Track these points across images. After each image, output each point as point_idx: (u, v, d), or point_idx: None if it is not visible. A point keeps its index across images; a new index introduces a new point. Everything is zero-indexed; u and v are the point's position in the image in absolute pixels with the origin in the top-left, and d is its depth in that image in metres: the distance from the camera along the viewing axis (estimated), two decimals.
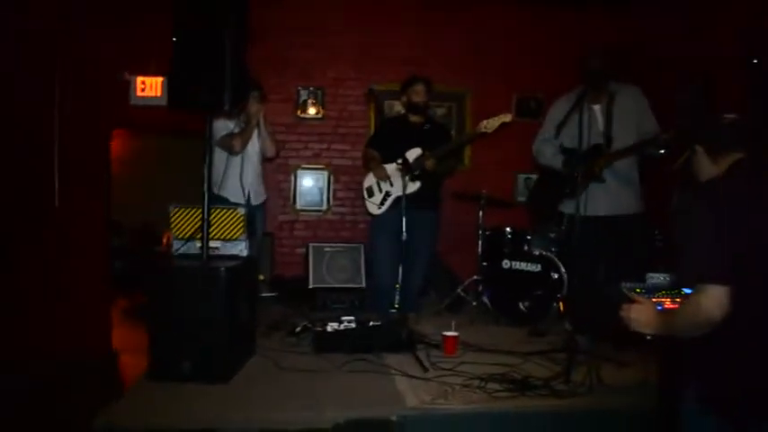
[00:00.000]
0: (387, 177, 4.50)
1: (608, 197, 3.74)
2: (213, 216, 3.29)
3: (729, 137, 1.94)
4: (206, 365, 2.95)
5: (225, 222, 3.34)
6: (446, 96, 6.10)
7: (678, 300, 2.23)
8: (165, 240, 7.76)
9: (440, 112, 6.14)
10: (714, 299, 1.73)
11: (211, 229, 3.25)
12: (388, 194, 4.52)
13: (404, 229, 3.88)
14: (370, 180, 4.65)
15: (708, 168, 1.98)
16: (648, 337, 2.04)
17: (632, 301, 2.14)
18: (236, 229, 3.35)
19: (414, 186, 4.39)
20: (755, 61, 3.15)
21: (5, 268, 4.78)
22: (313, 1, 5.85)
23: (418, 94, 4.51)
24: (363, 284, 5.25)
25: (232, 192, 4.11)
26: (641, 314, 2.03)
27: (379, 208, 4.57)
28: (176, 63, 3.18)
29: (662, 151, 3.62)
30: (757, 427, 1.77)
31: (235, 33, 3.13)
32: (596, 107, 3.76)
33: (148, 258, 7.13)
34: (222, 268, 3.00)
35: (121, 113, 5.69)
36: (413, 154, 4.40)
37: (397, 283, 4.37)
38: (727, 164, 1.93)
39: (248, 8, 3.26)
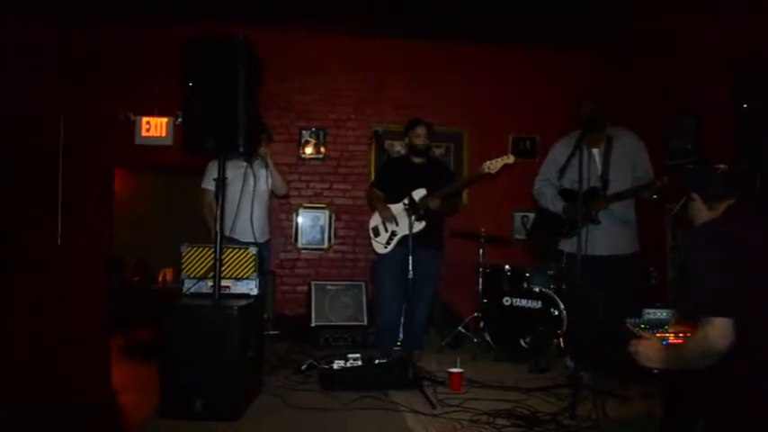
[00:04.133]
0: (393, 217, 4.59)
1: (607, 238, 3.84)
2: (225, 255, 3.36)
3: (723, 187, 2.08)
4: (217, 403, 2.98)
5: (236, 261, 3.42)
6: (444, 136, 6.26)
7: (681, 335, 2.32)
8: (161, 278, 7.79)
9: (438, 151, 6.27)
10: (719, 330, 1.82)
11: (223, 269, 3.32)
12: (394, 234, 4.60)
13: (410, 268, 3.94)
14: (375, 220, 4.73)
15: (704, 214, 2.11)
16: (655, 371, 2.12)
17: (638, 337, 2.23)
18: (247, 268, 3.42)
19: (419, 226, 4.46)
20: (745, 106, 3.29)
21: (6, 307, 4.81)
22: (313, 45, 6.03)
23: (419, 136, 4.63)
24: (365, 322, 5.31)
25: (242, 232, 4.18)
26: (648, 349, 2.11)
27: (386, 247, 4.63)
28: (190, 106, 3.29)
29: (655, 196, 3.76)
30: None
31: (247, 75, 3.25)
32: (595, 151, 3.90)
33: (147, 296, 7.15)
34: (235, 307, 3.06)
35: (126, 153, 5.80)
36: (418, 194, 4.50)
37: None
38: (721, 210, 2.06)
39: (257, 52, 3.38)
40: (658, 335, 2.30)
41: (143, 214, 8.12)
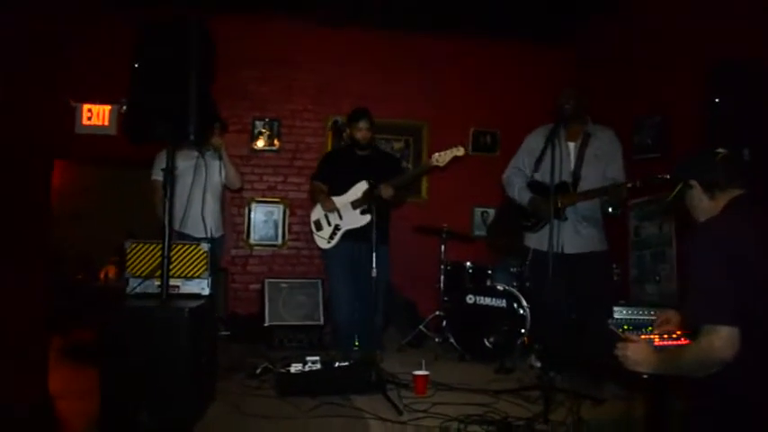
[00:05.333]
0: (336, 210, 4.39)
1: (576, 235, 3.74)
2: (174, 252, 3.09)
3: (725, 174, 1.93)
4: (166, 414, 2.72)
5: (187, 259, 3.15)
6: (403, 129, 6.10)
7: (666, 337, 2.21)
8: (102, 275, 7.37)
9: (397, 145, 6.11)
10: (726, 339, 1.70)
11: (172, 266, 3.05)
12: (337, 228, 4.41)
13: (374, 266, 3.75)
14: (317, 213, 4.52)
15: (705, 204, 1.96)
16: (645, 376, 2.00)
17: (624, 340, 2.10)
18: (198, 267, 3.17)
19: (364, 219, 4.30)
20: (717, 101, 3.23)
21: None
22: (270, 33, 5.75)
23: (361, 130, 4.39)
24: (322, 321, 5.08)
25: (193, 227, 3.91)
26: (637, 354, 1.99)
27: (329, 242, 4.44)
28: (136, 91, 3.00)
29: (615, 209, 3.69)
30: None
31: (199, 59, 2.99)
32: (571, 144, 3.78)
33: (87, 295, 6.74)
34: (186, 309, 2.80)
35: (66, 143, 5.40)
36: (362, 186, 4.32)
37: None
38: (724, 200, 1.92)
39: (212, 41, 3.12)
40: (643, 337, 2.19)
41: (85, 208, 7.65)
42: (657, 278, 4.82)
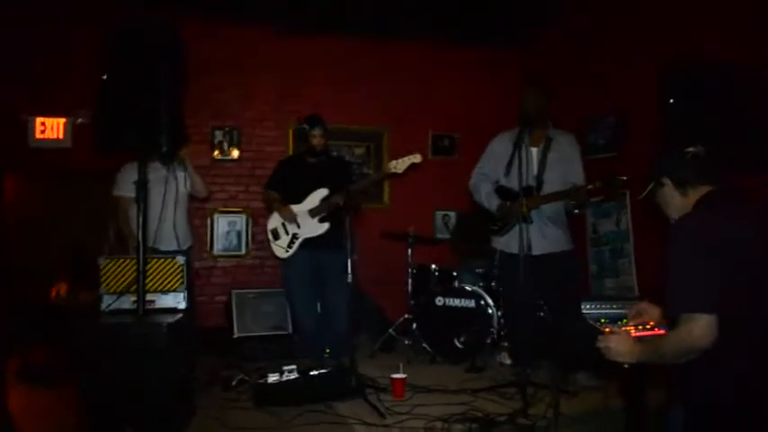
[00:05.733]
0: (294, 218, 4.37)
1: (542, 237, 3.85)
2: (150, 266, 3.04)
3: (695, 171, 2.03)
4: (150, 431, 2.68)
5: (162, 272, 3.11)
6: (364, 135, 6.14)
7: (641, 328, 2.31)
8: (54, 293, 7.12)
9: (358, 151, 6.15)
10: (704, 327, 1.80)
11: (147, 281, 3.00)
12: (295, 237, 4.38)
13: (349, 271, 3.76)
14: (274, 222, 4.48)
15: (677, 201, 2.06)
16: (626, 366, 2.09)
17: (603, 333, 2.19)
18: (174, 280, 3.12)
19: (323, 227, 4.33)
20: (672, 101, 3.40)
21: None
22: (230, 39, 5.69)
23: (315, 137, 4.40)
24: (290, 331, 5.06)
25: (164, 240, 3.85)
26: (620, 345, 2.07)
27: (287, 251, 4.41)
28: (105, 102, 2.94)
29: (576, 211, 3.82)
30: None
31: (170, 70, 2.96)
32: (534, 150, 3.88)
33: (40, 314, 6.50)
34: (164, 324, 2.77)
35: (17, 156, 5.21)
36: (319, 194, 4.35)
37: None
38: (696, 197, 2.02)
39: (183, 45, 3.09)
40: (622, 328, 2.28)
41: (36, 223, 7.36)
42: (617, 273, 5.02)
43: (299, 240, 4.37)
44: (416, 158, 4.14)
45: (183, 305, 3.16)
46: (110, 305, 3.00)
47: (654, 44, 4.57)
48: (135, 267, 2.93)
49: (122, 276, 3.04)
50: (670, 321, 2.05)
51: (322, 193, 4.34)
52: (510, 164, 3.36)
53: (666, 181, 2.08)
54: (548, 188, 3.85)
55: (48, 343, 5.57)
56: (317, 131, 4.40)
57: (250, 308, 5.08)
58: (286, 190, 4.46)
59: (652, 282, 4.56)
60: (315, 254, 4.34)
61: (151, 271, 3.07)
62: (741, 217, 1.96)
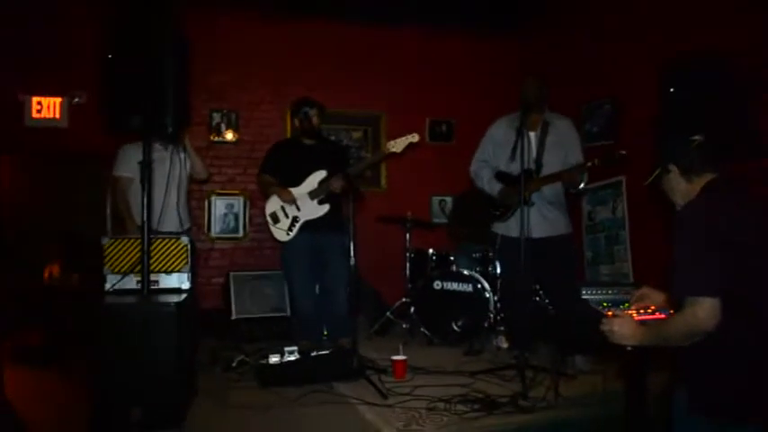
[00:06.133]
0: (294, 201, 4.38)
1: (541, 220, 3.90)
2: (154, 246, 3.05)
3: (701, 159, 2.08)
4: (157, 411, 2.70)
5: (167, 253, 3.11)
6: (362, 119, 6.14)
7: (643, 312, 2.36)
8: (47, 274, 7.10)
9: (356, 135, 6.15)
10: (709, 310, 1.84)
11: (152, 261, 3.01)
12: (296, 219, 4.38)
13: (351, 254, 3.78)
14: (273, 205, 4.47)
15: (683, 187, 2.10)
16: (629, 348, 2.14)
17: (607, 316, 2.24)
18: (179, 260, 3.13)
19: (323, 209, 4.35)
20: (672, 90, 3.43)
21: None
22: (229, 23, 5.66)
23: (314, 117, 4.42)
24: (288, 312, 5.09)
25: (168, 222, 3.84)
26: (624, 327, 2.12)
27: (288, 234, 4.41)
28: (109, 82, 2.94)
29: (582, 185, 3.85)
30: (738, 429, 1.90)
31: (176, 49, 2.96)
32: (532, 134, 3.91)
33: (32, 295, 6.48)
34: (172, 304, 2.79)
35: (13, 136, 5.17)
36: (318, 176, 4.36)
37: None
38: (700, 184, 2.07)
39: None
40: (625, 312, 2.33)
41: (30, 203, 7.31)
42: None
43: (300, 223, 4.38)
44: (414, 138, 4.15)
45: (186, 285, 3.17)
46: (114, 285, 3.01)
47: (650, 34, 4.60)
48: (139, 247, 2.95)
49: (126, 257, 3.05)
50: (675, 305, 2.10)
51: (320, 174, 4.35)
52: (514, 149, 3.38)
53: (673, 168, 2.12)
54: (546, 171, 3.89)
55: (43, 324, 5.57)
56: (311, 111, 4.41)
57: (248, 290, 5.11)
58: (283, 173, 4.44)
59: (647, 268, 4.63)
60: (315, 236, 4.35)
61: (155, 251, 3.08)
62: (744, 203, 2.01)
